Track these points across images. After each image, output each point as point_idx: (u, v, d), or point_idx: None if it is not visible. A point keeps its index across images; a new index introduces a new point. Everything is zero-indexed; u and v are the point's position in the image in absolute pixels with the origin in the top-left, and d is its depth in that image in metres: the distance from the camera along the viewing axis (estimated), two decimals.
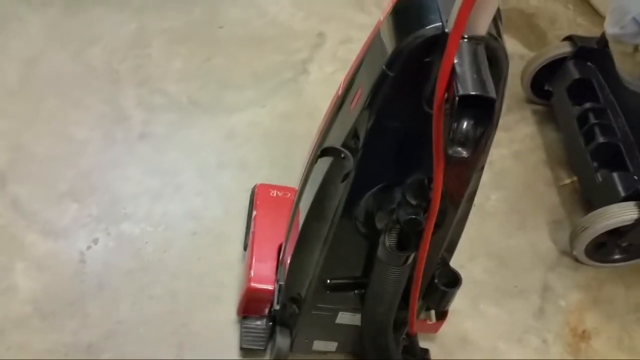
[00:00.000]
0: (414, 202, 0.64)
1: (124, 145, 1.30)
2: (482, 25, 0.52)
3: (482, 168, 0.71)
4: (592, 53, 1.44)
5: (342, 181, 0.68)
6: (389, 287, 0.74)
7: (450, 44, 0.49)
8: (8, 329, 0.99)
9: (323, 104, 1.52)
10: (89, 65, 1.46)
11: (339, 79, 1.67)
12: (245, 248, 1.14)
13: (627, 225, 1.16)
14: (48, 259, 1.08)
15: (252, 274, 1.01)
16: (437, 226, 0.68)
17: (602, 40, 1.37)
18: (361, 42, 1.91)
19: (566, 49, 1.48)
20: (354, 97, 0.66)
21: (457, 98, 0.48)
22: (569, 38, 1.47)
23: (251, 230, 1.10)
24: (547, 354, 1.15)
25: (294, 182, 1.23)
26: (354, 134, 0.66)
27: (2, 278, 1.06)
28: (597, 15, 1.83)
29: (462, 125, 0.50)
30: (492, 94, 0.49)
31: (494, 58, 0.55)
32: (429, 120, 0.60)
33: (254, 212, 1.12)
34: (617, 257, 1.28)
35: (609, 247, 1.26)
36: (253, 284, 0.99)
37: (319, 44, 1.68)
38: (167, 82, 1.46)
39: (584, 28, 1.82)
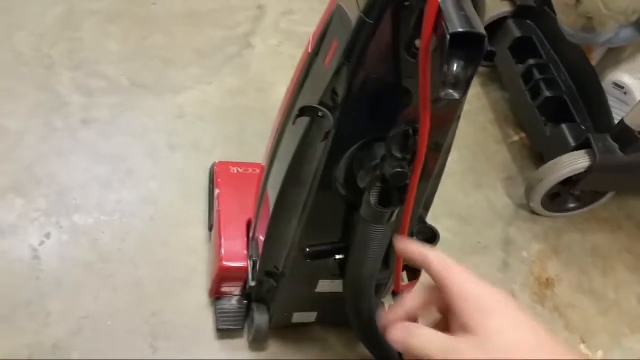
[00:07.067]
0: (398, 155, 0.62)
1: (65, 133, 1.22)
2: None
3: (459, 117, 0.70)
4: (531, 11, 1.48)
5: (322, 140, 0.66)
6: (373, 247, 0.73)
7: None
8: None
9: (272, 77, 1.50)
10: (17, 51, 1.36)
11: (285, 50, 1.65)
12: (210, 228, 1.10)
13: (579, 173, 1.20)
14: None
15: (222, 253, 0.97)
16: (420, 179, 0.67)
17: None
18: (303, 13, 1.86)
19: (505, 8, 1.51)
20: (328, 52, 0.63)
21: (448, 37, 0.47)
22: None
23: (215, 209, 1.06)
24: None
25: (250, 158, 1.19)
26: (331, 90, 0.63)
27: None
28: None
29: (453, 65, 0.49)
30: (482, 30, 0.48)
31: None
32: (410, 68, 0.59)
33: (216, 190, 1.08)
34: (571, 205, 1.33)
35: (562, 197, 1.31)
36: (225, 263, 0.95)
37: (259, 17, 1.64)
38: (104, 65, 1.38)
39: None
